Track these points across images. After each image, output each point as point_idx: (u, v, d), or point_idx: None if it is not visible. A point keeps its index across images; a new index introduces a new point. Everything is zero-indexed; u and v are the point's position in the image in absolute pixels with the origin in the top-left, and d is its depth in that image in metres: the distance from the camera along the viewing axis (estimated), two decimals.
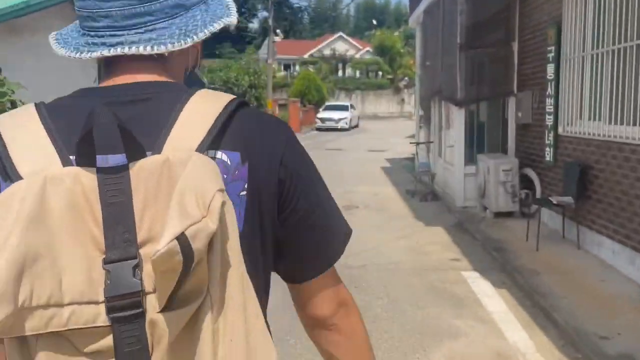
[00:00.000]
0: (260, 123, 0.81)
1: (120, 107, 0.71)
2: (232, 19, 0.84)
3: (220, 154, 0.74)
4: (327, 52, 47.36)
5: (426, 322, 4.13)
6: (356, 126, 32.87)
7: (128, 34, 0.77)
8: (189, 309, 0.63)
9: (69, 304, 0.62)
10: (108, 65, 0.80)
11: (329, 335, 0.90)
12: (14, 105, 3.62)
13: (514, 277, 5.02)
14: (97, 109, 0.65)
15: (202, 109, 0.75)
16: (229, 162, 0.74)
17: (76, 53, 0.79)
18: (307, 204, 0.82)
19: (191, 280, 0.62)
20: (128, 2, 0.76)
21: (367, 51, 49.48)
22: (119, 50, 0.77)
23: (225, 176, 0.73)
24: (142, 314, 0.63)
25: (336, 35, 52.47)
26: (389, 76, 46.23)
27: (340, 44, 49.64)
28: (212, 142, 0.72)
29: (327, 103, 34.60)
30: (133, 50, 0.77)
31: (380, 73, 47.10)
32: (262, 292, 0.79)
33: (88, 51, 0.78)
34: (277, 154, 0.79)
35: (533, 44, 7.18)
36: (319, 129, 30.47)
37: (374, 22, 43.96)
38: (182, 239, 0.58)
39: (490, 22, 8.15)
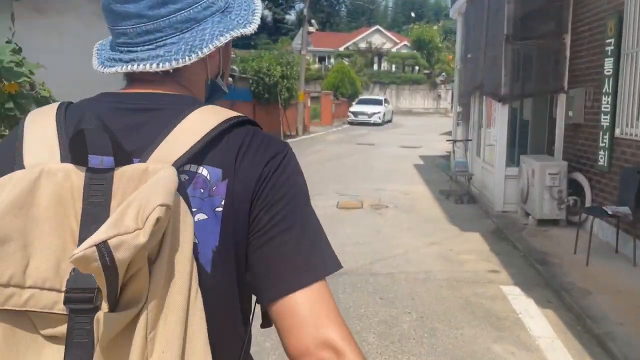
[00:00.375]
0: (252, 143, 0.81)
1: (127, 114, 0.80)
2: (247, 29, 0.86)
3: (201, 169, 0.77)
4: (363, 45, 46.60)
5: (460, 345, 3.62)
6: (389, 121, 32.21)
7: (141, 51, 0.82)
8: (126, 314, 0.65)
9: (30, 287, 0.67)
10: (129, 74, 0.85)
11: None
12: (32, 87, 3.50)
13: (561, 296, 4.45)
14: (86, 114, 0.70)
15: (197, 124, 0.77)
16: (209, 177, 0.77)
17: (101, 67, 0.85)
18: (272, 232, 0.78)
19: (132, 287, 0.65)
20: (139, 20, 0.80)
21: (404, 45, 48.49)
22: (129, 68, 0.82)
23: (202, 191, 0.76)
24: (95, 310, 0.66)
25: (373, 29, 51.62)
26: (426, 71, 45.23)
27: (377, 37, 48.78)
28: (194, 157, 0.75)
29: (361, 97, 34.00)
30: (141, 67, 0.81)
31: (417, 68, 46.12)
32: (240, 308, 0.81)
33: (109, 66, 0.84)
34: (256, 176, 0.79)
35: (588, 36, 6.51)
36: (351, 123, 29.94)
37: (412, 14, 42.80)
38: (102, 247, 0.61)
39: (540, 12, 7.50)
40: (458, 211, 7.78)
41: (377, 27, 52.85)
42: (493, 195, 7.66)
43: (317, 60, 49.02)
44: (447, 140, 9.73)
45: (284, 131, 20.22)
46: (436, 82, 44.16)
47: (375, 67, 46.16)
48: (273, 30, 60.57)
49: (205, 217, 0.76)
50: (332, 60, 46.26)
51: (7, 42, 3.61)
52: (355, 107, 30.94)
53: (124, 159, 0.71)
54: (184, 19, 0.81)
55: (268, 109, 19.21)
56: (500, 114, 7.58)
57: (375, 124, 29.40)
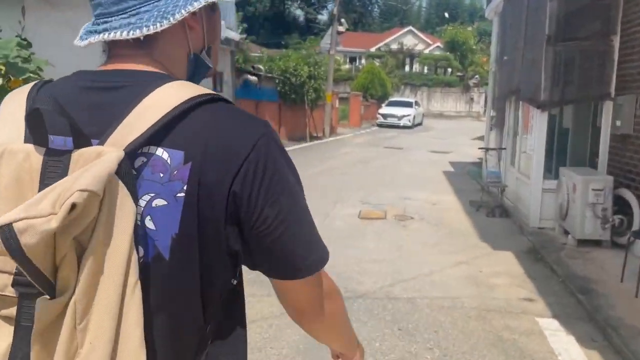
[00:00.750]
0: (224, 122, 0.77)
1: (96, 93, 0.78)
2: None
3: (161, 152, 0.73)
4: (394, 46, 45.85)
5: None
6: (420, 124, 31.48)
7: (115, 20, 0.79)
8: (54, 302, 0.65)
9: None
10: (107, 51, 0.84)
11: (313, 323, 0.93)
12: None
13: (607, 334, 3.88)
14: (39, 96, 0.75)
15: (159, 102, 0.74)
16: (169, 160, 0.73)
17: (78, 41, 0.84)
18: (267, 223, 0.77)
19: (60, 275, 0.65)
20: None
21: (437, 47, 47.54)
22: (100, 37, 0.79)
23: (162, 175, 0.73)
24: (39, 295, 0.66)
25: (405, 29, 50.79)
26: (459, 73, 44.21)
27: (409, 38, 47.94)
28: (153, 138, 0.72)
29: (391, 98, 33.36)
30: (112, 36, 0.79)
31: (449, 70, 45.13)
32: (200, 293, 0.78)
33: (84, 39, 0.82)
34: (235, 161, 0.75)
35: None
36: (380, 125, 29.34)
37: (446, 15, 41.86)
38: (7, 229, 0.60)
39: (585, 10, 6.86)
40: (489, 226, 7.20)
41: (410, 27, 51.99)
42: (528, 209, 7.06)
43: (347, 60, 48.53)
44: (479, 149, 9.13)
45: (310, 132, 19.81)
46: (469, 85, 43.10)
47: (407, 68, 45.38)
48: (305, 30, 60.24)
49: (165, 202, 0.74)
50: (363, 61, 45.65)
51: (17, 36, 3.43)
52: (384, 109, 30.33)
53: (82, 141, 0.70)
54: None
55: (294, 109, 18.83)
56: (539, 121, 6.97)
57: (404, 127, 28.73)
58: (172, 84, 0.77)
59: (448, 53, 44.92)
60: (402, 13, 70.01)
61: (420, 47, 47.33)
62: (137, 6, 0.78)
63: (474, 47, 45.23)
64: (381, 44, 47.24)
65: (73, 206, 0.62)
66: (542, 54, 6.70)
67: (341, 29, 20.54)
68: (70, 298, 0.65)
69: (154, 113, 0.73)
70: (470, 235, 6.67)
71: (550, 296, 4.63)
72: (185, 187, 0.73)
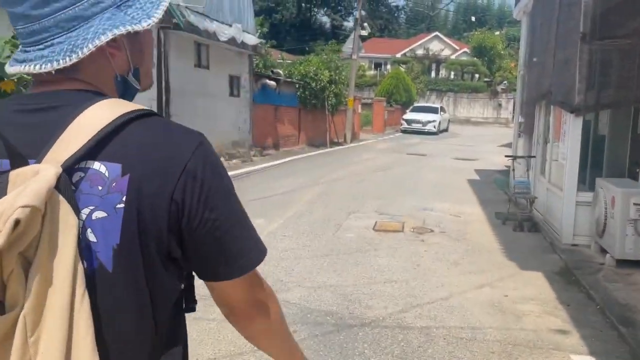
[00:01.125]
0: (159, 135, 0.80)
1: (28, 115, 0.80)
2: (140, 25, 0.82)
3: (98, 165, 0.76)
4: (420, 51, 45.13)
5: None
6: (445, 130, 30.71)
7: (32, 51, 0.81)
8: (5, 318, 0.68)
9: None
10: (33, 75, 0.84)
11: (248, 325, 0.95)
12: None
13: None
14: None
15: (93, 119, 0.77)
16: (106, 173, 0.75)
17: (8, 66, 0.85)
18: (207, 228, 0.80)
19: (8, 290, 0.68)
20: (26, 20, 0.79)
21: (464, 52, 46.61)
22: (20, 69, 0.81)
23: (100, 188, 0.75)
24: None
25: (432, 35, 50.01)
26: (486, 79, 43.19)
27: (436, 44, 47.16)
28: (89, 153, 0.75)
29: (415, 104, 32.67)
30: (27, 69, 0.80)
31: (476, 75, 44.16)
32: (149, 302, 0.80)
33: (11, 65, 0.84)
34: (174, 171, 0.77)
35: None
36: (404, 131, 28.71)
37: (473, 18, 40.97)
38: None
39: (625, 6, 6.22)
40: (517, 241, 6.59)
41: (436, 33, 51.18)
42: (560, 224, 6.42)
43: (372, 66, 48.02)
44: (506, 156, 8.49)
45: (330, 138, 19.34)
46: (497, 91, 42.05)
47: (433, 74, 44.59)
48: (331, 36, 59.87)
49: (105, 214, 0.75)
50: (388, 67, 45.06)
51: (12, 37, 3.34)
52: (409, 115, 29.67)
53: (19, 161, 0.73)
54: (69, 17, 0.78)
55: (314, 114, 18.40)
56: (572, 127, 6.35)
57: (429, 133, 28.02)
58: (103, 102, 0.79)
59: (475, 58, 43.97)
60: (428, 19, 69.14)
61: (446, 52, 46.49)
62: (50, 38, 0.79)
63: (502, 52, 44.15)
64: (407, 49, 46.55)
65: (17, 222, 0.65)
66: (576, 54, 6.09)
67: (364, 33, 20.06)
68: (20, 312, 0.67)
69: (89, 130, 0.75)
70: (495, 252, 6.07)
71: (587, 328, 4.02)
72: (124, 198, 0.75)
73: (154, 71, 9.58)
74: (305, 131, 18.12)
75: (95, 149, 0.74)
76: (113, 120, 0.75)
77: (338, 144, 20.07)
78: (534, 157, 8.06)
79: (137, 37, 0.86)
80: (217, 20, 11.31)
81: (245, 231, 0.86)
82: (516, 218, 7.31)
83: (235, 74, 13.26)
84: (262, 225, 6.79)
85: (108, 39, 0.78)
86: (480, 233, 6.97)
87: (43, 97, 0.81)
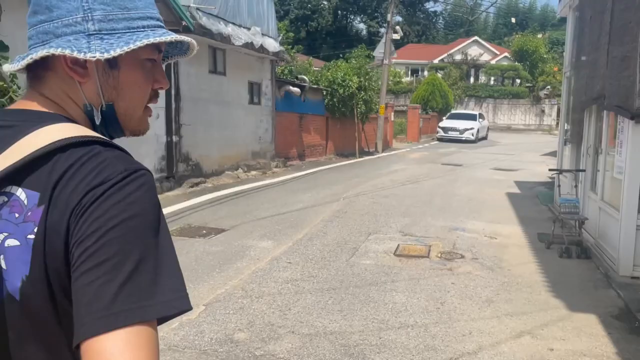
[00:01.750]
0: (85, 166, 0.75)
1: None
2: (75, 52, 0.80)
3: (20, 192, 0.75)
4: (459, 57, 43.71)
5: None
6: (484, 138, 29.33)
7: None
8: None
9: None
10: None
11: None
12: (3, 93, 3.40)
13: None
14: None
15: (31, 141, 0.76)
16: (25, 201, 0.74)
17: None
18: (80, 270, 0.71)
19: None
20: (28, 26, 0.84)
21: (505, 57, 44.89)
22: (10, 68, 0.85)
23: (17, 215, 0.74)
24: None
25: (471, 39, 48.49)
26: (528, 84, 41.41)
27: (475, 49, 45.61)
28: (14, 177, 0.74)
29: (453, 111, 31.41)
30: (7, 67, 0.86)
31: (518, 81, 42.43)
32: (60, 345, 0.76)
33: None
34: (73, 205, 0.73)
35: None
36: (440, 140, 27.54)
37: (513, 20, 39.31)
38: None
39: None
40: (564, 271, 5.56)
41: (475, 38, 49.64)
42: (617, 251, 5.37)
43: (409, 73, 46.93)
44: (550, 170, 7.41)
45: (360, 147, 18.45)
46: (539, 96, 40.23)
47: (472, 80, 43.10)
48: (368, 43, 59.25)
49: (17, 243, 0.74)
50: (425, 73, 43.80)
51: None
52: (445, 122, 28.48)
53: None
54: (44, 30, 0.82)
55: (343, 123, 17.58)
56: (631, 135, 5.31)
57: (467, 141, 26.76)
58: (58, 125, 0.79)
59: (516, 63, 42.24)
60: (467, 24, 67.44)
61: (486, 57, 44.92)
62: (33, 46, 0.82)
63: (545, 55, 42.29)
64: (444, 55, 45.20)
65: None
66: (637, 49, 5.07)
67: (396, 36, 19.13)
68: None
69: (20, 152, 0.75)
70: (536, 286, 5.07)
71: None
72: (35, 229, 0.73)
73: None
74: (333, 140, 17.30)
75: (22, 173, 0.74)
76: (46, 145, 0.75)
77: (368, 153, 19.16)
78: (583, 170, 6.96)
79: (112, 72, 0.84)
80: (233, 23, 10.66)
81: (125, 280, 0.69)
82: (563, 241, 6.26)
83: (256, 81, 12.58)
84: (267, 250, 5.99)
85: (42, 54, 0.79)
86: (519, 260, 5.96)
87: (9, 114, 0.84)
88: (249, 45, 11.02)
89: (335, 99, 16.41)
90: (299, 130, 15.08)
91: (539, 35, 46.81)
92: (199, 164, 10.22)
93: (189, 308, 0.73)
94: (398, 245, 6.44)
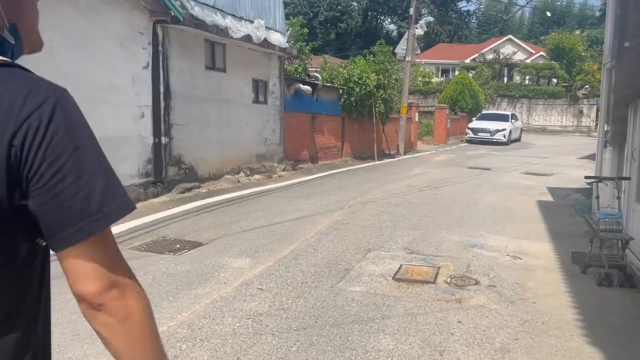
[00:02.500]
0: (8, 85, 0.79)
1: None
2: None
3: None
4: (491, 56, 41.98)
5: None
6: (517, 140, 27.79)
7: None
8: None
9: None
10: None
11: (97, 316, 0.84)
12: None
13: None
14: None
15: None
16: None
17: None
18: (44, 181, 0.79)
19: None
20: None
21: (541, 56, 42.92)
22: None
23: None
24: None
25: (504, 38, 46.70)
26: (565, 83, 39.39)
27: (509, 48, 43.79)
28: None
29: (483, 111, 29.92)
30: None
31: (554, 80, 40.44)
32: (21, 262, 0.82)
33: None
34: (15, 120, 0.77)
35: None
36: (469, 141, 26.16)
37: (548, 14, 37.42)
38: None
39: None
40: (603, 305, 4.43)
41: (509, 36, 47.77)
42: None
43: (439, 73, 45.51)
44: (586, 178, 6.22)
45: (380, 149, 17.38)
46: (577, 96, 38.18)
47: (505, 79, 41.32)
48: (397, 44, 57.86)
49: None
50: (456, 73, 42.28)
51: None
52: (475, 123, 27.07)
53: None
54: None
55: (361, 123, 16.54)
56: None
57: (498, 143, 25.32)
58: None
59: (552, 61, 40.27)
60: (502, 23, 65.26)
61: (520, 56, 43.08)
62: None
63: (583, 53, 40.18)
64: (476, 54, 43.50)
65: None
66: None
67: (419, 31, 17.97)
68: None
69: None
70: (567, 327, 3.96)
71: None
72: None
73: (148, 72, 8.14)
74: (349, 142, 16.27)
75: None
76: None
77: (389, 156, 18.05)
78: (628, 178, 5.73)
79: None
80: (233, 15, 9.78)
81: (97, 185, 0.81)
82: (602, 264, 5.09)
83: (261, 78, 11.67)
84: (240, 270, 5.04)
85: None
86: (547, 289, 4.84)
87: None
88: (250, 39, 10.12)
89: (352, 98, 15.39)
90: (311, 132, 14.11)
91: (577, 32, 44.57)
92: (193, 168, 9.37)
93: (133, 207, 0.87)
94: (400, 266, 5.40)
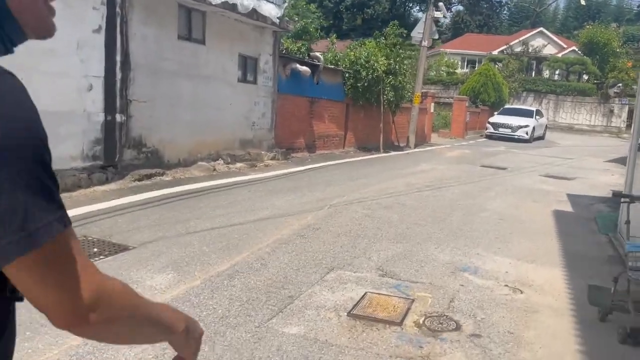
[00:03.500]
0: None
1: None
2: None
3: None
4: (519, 48, 39.98)
5: None
6: (541, 138, 26.16)
7: None
8: None
9: None
10: None
11: (78, 334, 0.79)
12: None
13: None
14: None
15: None
16: None
17: None
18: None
19: None
20: None
21: (572, 51, 40.77)
22: None
23: None
24: None
25: (535, 30, 44.54)
26: (596, 81, 37.33)
27: (539, 40, 41.69)
28: None
29: (506, 106, 28.26)
30: None
31: (585, 76, 38.38)
32: None
33: None
34: None
35: None
36: (489, 137, 24.63)
37: (582, 1, 35.26)
38: None
39: None
40: None
41: (541, 28, 45.57)
42: None
43: (465, 64, 43.77)
44: (614, 194, 4.93)
45: (387, 141, 16.07)
46: (608, 94, 36.14)
47: (533, 73, 39.36)
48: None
49: None
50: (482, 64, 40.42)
51: None
52: (496, 118, 25.49)
53: None
54: None
55: (368, 112, 15.24)
56: None
57: (520, 140, 23.77)
58: None
59: (584, 56, 38.15)
60: (534, 16, 62.70)
61: (551, 49, 40.99)
62: None
63: (618, 49, 37.97)
64: (505, 46, 41.49)
65: None
66: None
67: (438, 14, 16.48)
68: None
69: None
70: None
71: None
72: None
73: (100, 37, 6.99)
74: (353, 131, 14.99)
75: None
76: None
77: (398, 148, 16.73)
78: None
79: None
80: None
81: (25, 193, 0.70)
82: (627, 310, 3.81)
83: (251, 55, 10.44)
84: (152, 291, 3.90)
85: None
86: (550, 345, 3.59)
87: None
88: (234, 8, 8.89)
89: (358, 84, 14.09)
90: (308, 118, 12.87)
91: (612, 27, 42.17)
92: (157, 152, 8.24)
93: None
94: (364, 294, 4.20)
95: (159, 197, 6.95)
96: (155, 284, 4.08)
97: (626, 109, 35.61)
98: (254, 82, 10.58)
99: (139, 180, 7.49)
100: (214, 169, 9.10)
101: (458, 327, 3.73)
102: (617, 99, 36.04)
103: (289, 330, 3.48)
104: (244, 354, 3.10)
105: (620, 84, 35.73)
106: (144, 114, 7.86)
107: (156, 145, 8.18)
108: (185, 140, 8.75)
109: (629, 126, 34.53)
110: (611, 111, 36.39)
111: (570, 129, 35.34)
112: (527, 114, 25.76)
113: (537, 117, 26.17)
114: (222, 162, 9.47)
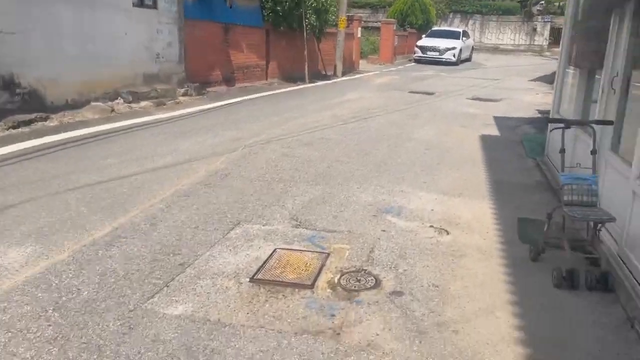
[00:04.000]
0: None
1: None
2: None
3: None
4: None
5: None
6: (467, 60, 26.08)
7: None
8: None
9: None
10: None
11: None
12: None
13: None
14: None
15: None
16: None
17: None
18: None
19: None
20: None
21: None
22: None
23: None
24: None
25: None
26: None
27: None
28: None
29: (434, 28, 27.77)
30: None
31: None
32: None
33: None
34: None
35: None
36: (417, 61, 24.22)
37: None
38: None
39: None
40: (565, 323, 2.79)
41: None
42: None
43: None
44: (550, 123, 4.48)
45: (313, 70, 15.20)
46: (532, 13, 36.36)
47: None
48: None
49: None
50: None
51: None
52: (424, 41, 25.02)
53: None
54: None
55: (291, 39, 14.21)
56: None
57: (448, 63, 23.55)
58: None
59: None
60: None
61: None
62: None
63: None
64: None
65: None
66: None
67: None
68: None
69: None
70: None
71: None
72: None
73: None
74: (276, 61, 13.99)
75: None
76: None
77: (325, 77, 15.93)
78: (610, 122, 3.94)
79: None
80: None
81: None
82: (562, 248, 3.42)
83: None
84: (5, 271, 3.11)
85: None
86: (479, 297, 3.15)
87: None
88: None
89: (278, 7, 12.95)
90: (224, 47, 11.73)
91: None
92: (37, 92, 7.05)
93: None
94: (273, 252, 3.60)
95: (36, 147, 5.92)
96: (6, 261, 3.27)
97: (548, 26, 36.13)
98: (154, 6, 9.28)
99: (14, 127, 6.37)
100: (112, 110, 8.03)
101: (377, 284, 3.23)
102: (540, 17, 36.39)
103: (173, 311, 2.83)
104: (105, 352, 2.43)
105: (542, 1, 35.97)
106: (13, 48, 6.60)
107: (34, 85, 6.98)
108: (72, 78, 7.56)
109: (551, 44, 35.15)
110: (534, 29, 36.81)
111: (495, 49, 35.54)
112: (454, 35, 25.43)
113: (464, 38, 25.92)
114: (121, 101, 8.37)
